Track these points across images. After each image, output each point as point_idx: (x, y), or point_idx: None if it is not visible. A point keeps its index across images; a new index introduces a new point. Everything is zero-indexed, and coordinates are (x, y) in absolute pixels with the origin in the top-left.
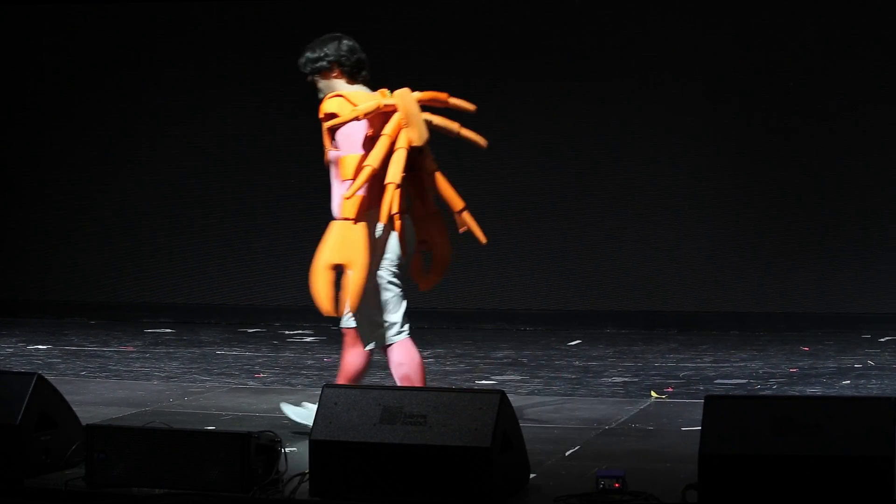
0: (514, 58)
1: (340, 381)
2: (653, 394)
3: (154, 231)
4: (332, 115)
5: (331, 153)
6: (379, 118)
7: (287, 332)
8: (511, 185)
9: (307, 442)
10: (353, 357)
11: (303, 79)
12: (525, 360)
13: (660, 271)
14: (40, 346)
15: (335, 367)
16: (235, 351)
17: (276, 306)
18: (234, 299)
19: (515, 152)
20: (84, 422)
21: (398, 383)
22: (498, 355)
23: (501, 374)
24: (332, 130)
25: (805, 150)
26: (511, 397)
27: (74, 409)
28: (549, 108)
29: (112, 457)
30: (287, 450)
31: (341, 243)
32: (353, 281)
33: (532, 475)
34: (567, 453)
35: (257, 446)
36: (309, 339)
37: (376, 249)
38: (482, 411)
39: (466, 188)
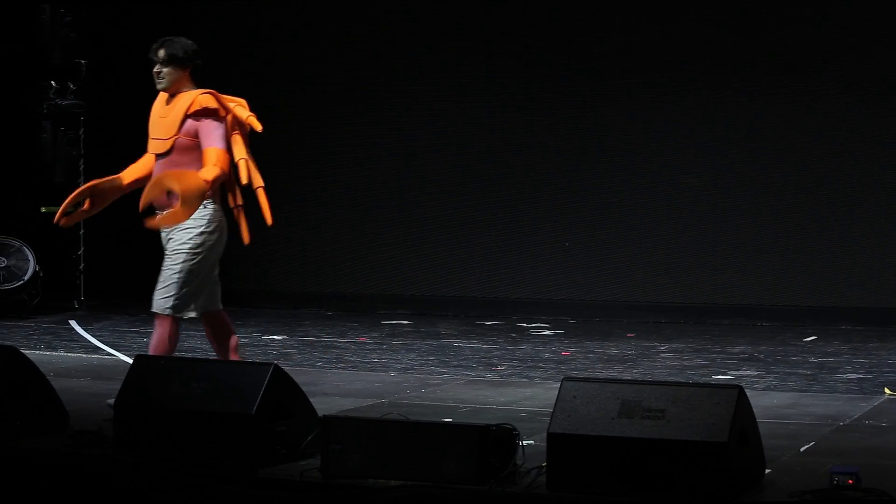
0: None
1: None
2: (887, 391)
3: (392, 223)
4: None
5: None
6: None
7: (525, 325)
8: (751, 179)
9: (545, 435)
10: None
11: (533, 75)
12: (761, 356)
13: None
14: (276, 337)
15: (573, 360)
16: (473, 343)
17: (515, 299)
18: (472, 291)
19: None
20: (320, 413)
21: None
22: (734, 350)
23: (738, 370)
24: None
25: None
26: (747, 392)
27: (310, 399)
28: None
29: (348, 448)
30: (524, 443)
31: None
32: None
33: (767, 471)
34: (802, 449)
35: (495, 439)
36: (547, 333)
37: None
38: (720, 406)
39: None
